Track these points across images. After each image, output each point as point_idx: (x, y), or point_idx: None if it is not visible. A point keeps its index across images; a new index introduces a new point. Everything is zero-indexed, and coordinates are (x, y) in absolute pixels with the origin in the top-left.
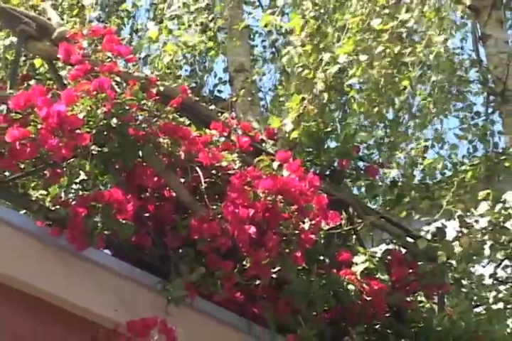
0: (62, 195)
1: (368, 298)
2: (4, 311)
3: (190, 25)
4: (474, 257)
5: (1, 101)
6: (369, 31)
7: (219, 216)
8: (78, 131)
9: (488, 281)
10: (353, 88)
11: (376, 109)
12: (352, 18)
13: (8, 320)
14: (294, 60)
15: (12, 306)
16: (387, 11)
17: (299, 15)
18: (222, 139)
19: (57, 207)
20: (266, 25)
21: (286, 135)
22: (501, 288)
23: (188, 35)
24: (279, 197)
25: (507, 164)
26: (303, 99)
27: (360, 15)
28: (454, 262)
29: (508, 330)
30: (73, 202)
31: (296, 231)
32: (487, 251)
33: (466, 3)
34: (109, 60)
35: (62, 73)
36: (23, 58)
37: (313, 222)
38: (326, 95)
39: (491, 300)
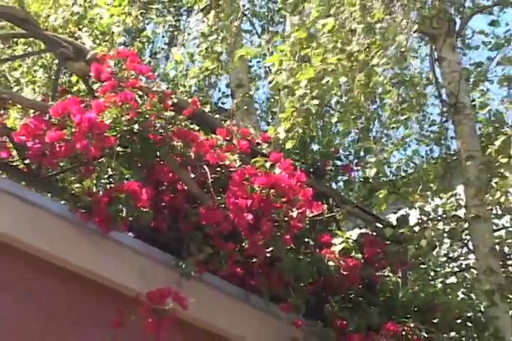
0: (94, 187)
1: (345, 273)
2: (41, 282)
3: (207, 52)
4: (437, 243)
5: (45, 111)
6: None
7: (222, 205)
8: (105, 135)
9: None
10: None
11: (354, 121)
12: (316, 55)
13: (47, 290)
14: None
15: (48, 278)
16: (339, 45)
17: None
18: (225, 142)
19: (86, 196)
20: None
21: (280, 141)
22: (453, 264)
23: (208, 61)
24: (272, 190)
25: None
26: (293, 111)
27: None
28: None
29: (459, 299)
30: (101, 193)
31: (286, 218)
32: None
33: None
34: (133, 77)
35: (94, 87)
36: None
37: (300, 210)
38: (313, 108)
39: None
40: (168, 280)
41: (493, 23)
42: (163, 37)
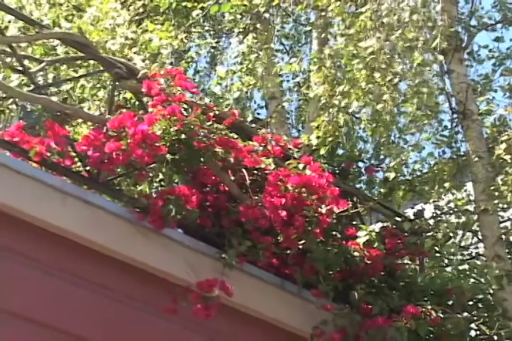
0: (148, 190)
1: (369, 262)
2: (104, 274)
3: (249, 69)
4: (451, 234)
5: (103, 124)
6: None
7: (260, 204)
8: (157, 144)
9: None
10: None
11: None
12: (359, 73)
13: (105, 281)
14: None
15: (106, 269)
16: (384, 65)
17: (318, 64)
18: (261, 148)
19: (142, 198)
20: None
21: (313, 147)
22: (465, 253)
23: (250, 77)
24: (303, 189)
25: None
26: (322, 121)
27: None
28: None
29: (471, 283)
30: (154, 195)
31: (316, 214)
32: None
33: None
34: (179, 92)
35: (146, 102)
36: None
37: (328, 207)
38: (342, 119)
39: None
40: (213, 270)
41: (497, 39)
42: (204, 57)
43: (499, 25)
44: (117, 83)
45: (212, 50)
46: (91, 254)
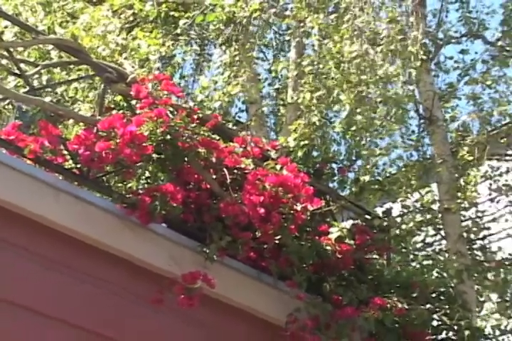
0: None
1: (340, 256)
2: (97, 267)
3: (230, 79)
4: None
5: (93, 125)
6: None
7: (239, 201)
8: (144, 144)
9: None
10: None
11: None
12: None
13: (98, 273)
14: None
15: (98, 262)
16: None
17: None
18: (241, 149)
19: (131, 195)
20: (276, 71)
21: (290, 149)
22: (428, 249)
23: (231, 87)
24: (280, 188)
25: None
26: (299, 124)
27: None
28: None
29: (433, 277)
30: (141, 192)
31: (292, 211)
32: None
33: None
34: (166, 96)
35: (134, 105)
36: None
37: (303, 205)
38: (317, 122)
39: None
40: (195, 262)
41: (462, 52)
42: (190, 64)
43: (464, 38)
44: (107, 86)
45: (197, 57)
46: (83, 248)
